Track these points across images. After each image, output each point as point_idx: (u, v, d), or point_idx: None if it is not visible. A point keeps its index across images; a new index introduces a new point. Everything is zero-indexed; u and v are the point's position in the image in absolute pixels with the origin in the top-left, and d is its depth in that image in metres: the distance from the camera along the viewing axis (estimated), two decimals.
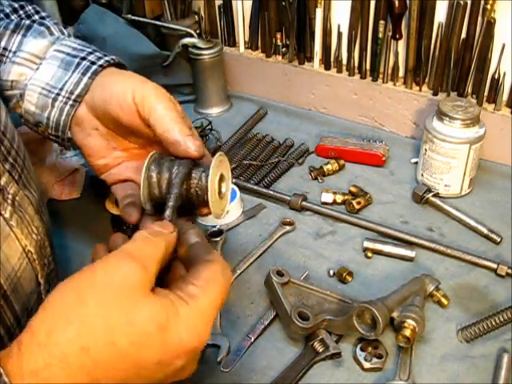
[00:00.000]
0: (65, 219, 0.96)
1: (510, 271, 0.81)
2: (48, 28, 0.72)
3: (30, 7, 0.76)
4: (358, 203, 0.96)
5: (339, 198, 0.98)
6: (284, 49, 1.23)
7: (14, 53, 0.68)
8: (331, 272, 0.84)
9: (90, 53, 0.68)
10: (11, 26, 0.69)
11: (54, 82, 0.66)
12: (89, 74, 0.65)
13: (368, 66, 1.15)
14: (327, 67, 1.19)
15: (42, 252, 0.63)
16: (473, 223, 0.91)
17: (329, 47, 1.17)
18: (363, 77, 1.15)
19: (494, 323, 0.73)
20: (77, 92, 0.65)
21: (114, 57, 0.69)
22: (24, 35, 0.69)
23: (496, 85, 1.01)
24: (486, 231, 0.89)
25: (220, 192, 0.58)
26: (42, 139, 0.85)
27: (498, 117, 1.01)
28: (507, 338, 0.73)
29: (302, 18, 1.16)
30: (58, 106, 0.66)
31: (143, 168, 0.56)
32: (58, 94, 0.66)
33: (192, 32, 1.20)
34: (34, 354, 0.39)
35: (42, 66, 0.67)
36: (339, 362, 0.72)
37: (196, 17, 1.28)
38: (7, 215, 0.56)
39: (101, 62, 0.66)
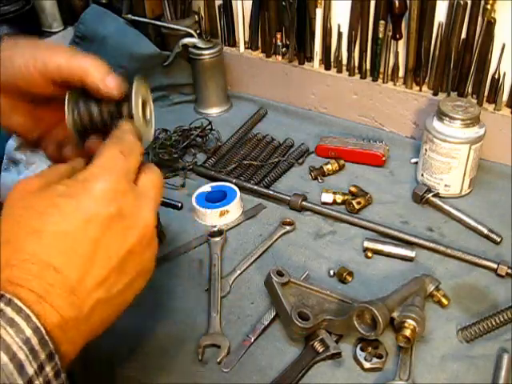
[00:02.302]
0: None
1: (510, 271, 0.81)
2: None
3: None
4: (358, 203, 0.96)
5: (339, 198, 0.98)
6: (284, 49, 1.23)
7: None
8: (331, 272, 0.84)
9: None
10: None
11: None
12: None
13: (368, 66, 1.15)
14: (327, 67, 1.19)
15: None
16: (473, 223, 0.91)
17: (329, 47, 1.17)
18: (363, 77, 1.15)
19: (494, 323, 0.73)
20: None
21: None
22: None
23: (496, 85, 1.01)
24: (486, 231, 0.89)
25: (145, 118, 0.59)
26: None
27: (497, 117, 1.01)
28: (507, 338, 0.73)
29: (302, 18, 1.16)
30: None
31: (65, 98, 0.56)
32: None
33: (192, 32, 1.20)
34: None
35: None
36: (339, 362, 0.72)
37: (196, 17, 1.28)
38: None
39: None
